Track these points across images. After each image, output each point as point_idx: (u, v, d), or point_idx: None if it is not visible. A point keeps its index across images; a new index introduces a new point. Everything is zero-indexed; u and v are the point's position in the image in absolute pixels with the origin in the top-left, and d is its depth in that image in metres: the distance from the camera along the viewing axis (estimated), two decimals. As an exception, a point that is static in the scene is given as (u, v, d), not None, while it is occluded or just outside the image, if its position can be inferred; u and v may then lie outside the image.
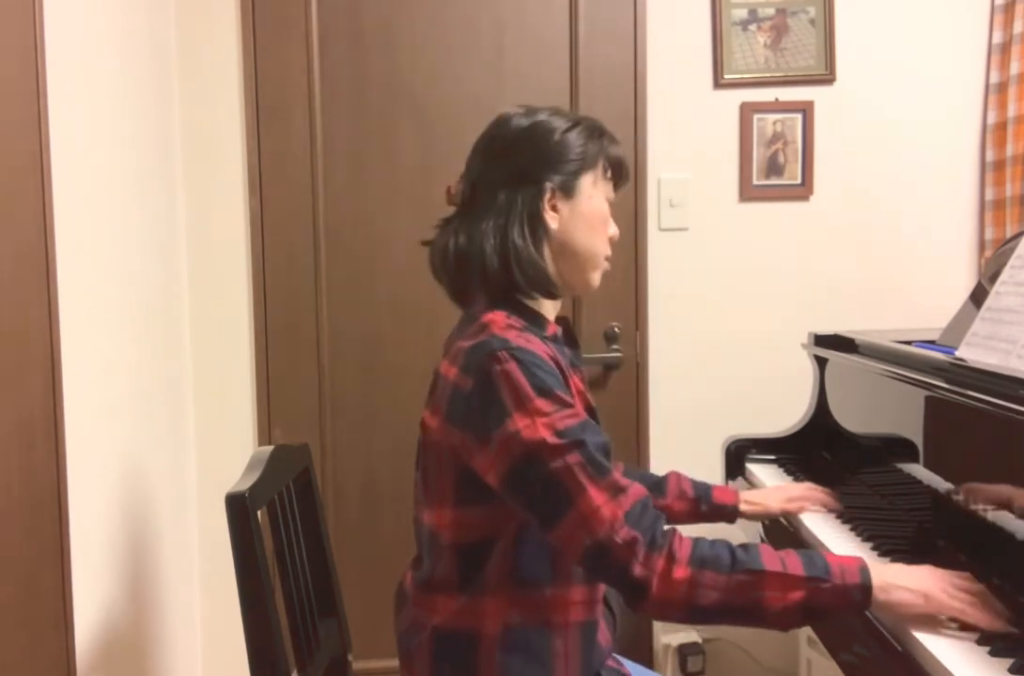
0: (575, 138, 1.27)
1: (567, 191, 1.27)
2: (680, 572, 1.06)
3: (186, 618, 2.32)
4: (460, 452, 1.18)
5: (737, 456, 2.02)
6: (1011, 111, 2.34)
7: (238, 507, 1.29)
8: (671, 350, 2.47)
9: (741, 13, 2.42)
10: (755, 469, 1.97)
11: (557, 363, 1.18)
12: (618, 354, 2.42)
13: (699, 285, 2.47)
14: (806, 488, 1.66)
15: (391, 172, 2.39)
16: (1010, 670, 1.03)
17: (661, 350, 2.47)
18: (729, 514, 1.57)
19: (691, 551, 1.09)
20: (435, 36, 2.38)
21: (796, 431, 2.02)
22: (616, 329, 2.43)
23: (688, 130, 2.43)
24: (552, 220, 1.26)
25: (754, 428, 2.10)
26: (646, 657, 2.44)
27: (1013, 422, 1.18)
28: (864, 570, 1.10)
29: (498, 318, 1.21)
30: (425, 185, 2.39)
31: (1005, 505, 1.21)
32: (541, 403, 1.11)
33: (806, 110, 2.44)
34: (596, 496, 1.08)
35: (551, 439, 1.10)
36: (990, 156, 2.43)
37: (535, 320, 1.26)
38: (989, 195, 2.44)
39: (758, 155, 2.44)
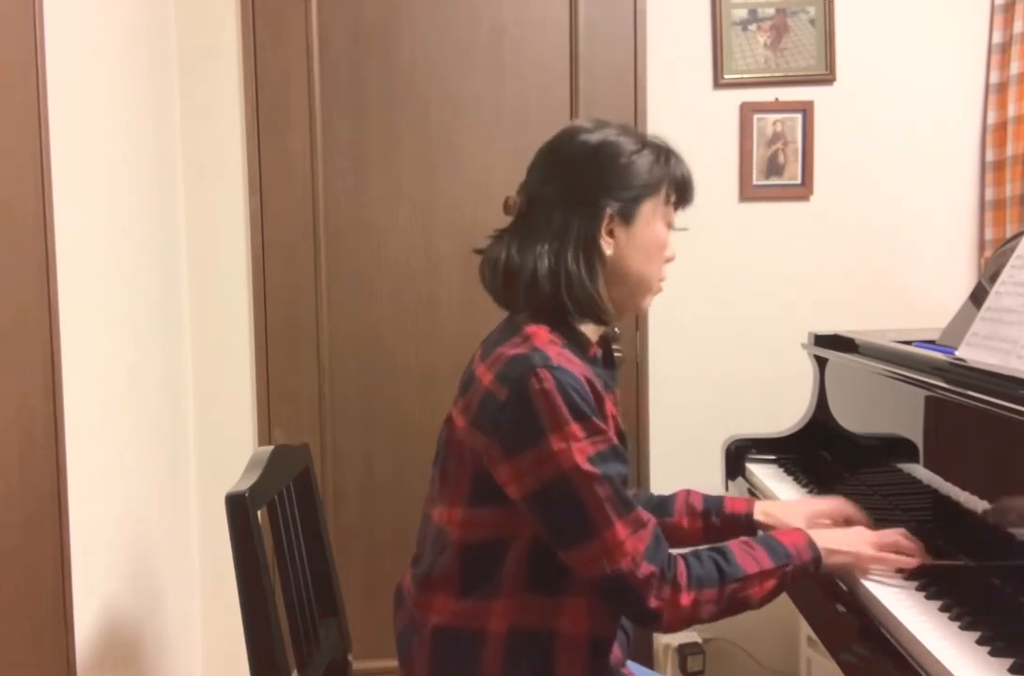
0: (641, 164, 1.24)
1: (626, 218, 1.24)
2: (685, 598, 1.15)
3: (186, 618, 2.32)
4: (482, 456, 1.18)
5: (737, 456, 2.02)
6: (1011, 111, 2.34)
7: (238, 507, 1.29)
8: (671, 350, 2.47)
9: (741, 13, 2.42)
10: (755, 469, 1.97)
11: (592, 386, 1.18)
12: (618, 354, 2.40)
13: (699, 285, 2.47)
14: (834, 503, 1.49)
15: (391, 172, 2.39)
16: (1010, 670, 1.03)
17: (661, 350, 2.47)
18: (744, 524, 1.44)
19: (688, 574, 1.16)
20: (435, 36, 2.38)
21: (796, 431, 2.02)
22: (616, 329, 2.41)
23: (688, 130, 2.42)
24: (607, 246, 1.24)
25: (754, 428, 2.10)
26: (646, 657, 2.43)
27: (1013, 422, 1.18)
28: (812, 544, 1.25)
29: (541, 332, 1.21)
30: (425, 185, 2.40)
31: (1005, 505, 1.21)
32: (576, 427, 1.13)
33: (806, 110, 2.44)
34: (621, 530, 1.13)
35: (584, 465, 1.12)
36: (990, 156, 2.43)
37: (577, 340, 1.25)
38: (989, 195, 2.44)
39: (758, 155, 2.44)
